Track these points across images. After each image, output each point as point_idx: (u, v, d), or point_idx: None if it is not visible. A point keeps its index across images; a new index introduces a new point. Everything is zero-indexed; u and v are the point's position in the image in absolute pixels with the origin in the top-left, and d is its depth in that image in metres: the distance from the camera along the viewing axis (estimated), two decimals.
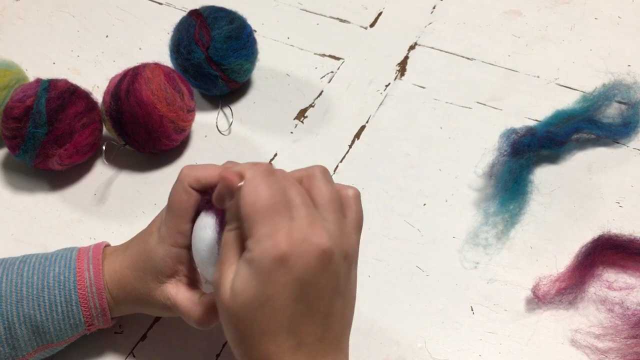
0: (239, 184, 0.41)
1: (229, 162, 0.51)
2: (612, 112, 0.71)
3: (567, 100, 0.73)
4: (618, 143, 0.70)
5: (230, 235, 0.42)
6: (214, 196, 0.44)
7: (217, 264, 0.43)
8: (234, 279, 0.40)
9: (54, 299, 0.51)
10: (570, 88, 0.76)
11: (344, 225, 0.44)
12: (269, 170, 0.42)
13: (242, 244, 0.41)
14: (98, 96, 0.69)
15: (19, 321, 0.51)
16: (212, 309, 0.48)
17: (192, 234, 0.49)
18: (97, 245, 0.54)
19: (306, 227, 0.40)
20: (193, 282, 0.51)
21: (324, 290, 0.41)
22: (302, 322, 0.40)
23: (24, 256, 0.54)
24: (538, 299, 0.58)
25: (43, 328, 0.51)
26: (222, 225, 0.46)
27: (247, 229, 0.40)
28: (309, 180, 0.44)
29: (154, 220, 0.53)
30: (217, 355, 0.57)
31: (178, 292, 0.50)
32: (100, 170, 0.70)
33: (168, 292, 0.50)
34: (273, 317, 0.40)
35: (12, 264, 0.53)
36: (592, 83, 0.74)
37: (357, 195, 0.47)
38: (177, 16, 0.74)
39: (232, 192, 0.42)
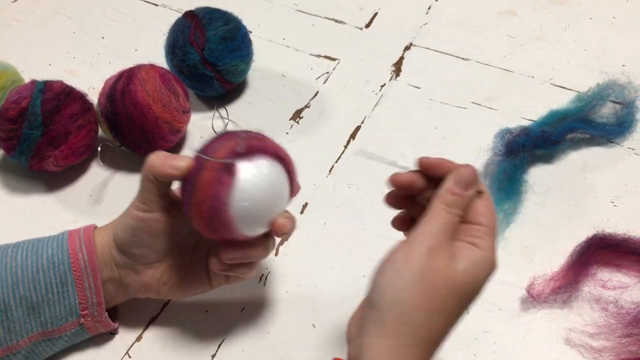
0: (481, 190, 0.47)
1: (244, 131, 0.51)
2: (606, 111, 0.72)
3: (561, 100, 0.73)
4: (612, 142, 0.71)
5: (454, 219, 0.45)
6: (459, 179, 0.46)
7: (432, 232, 0.44)
8: (470, 258, 0.44)
9: (50, 280, 0.52)
10: (564, 88, 0.76)
11: None
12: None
13: (455, 229, 0.45)
14: (94, 97, 0.69)
15: (15, 302, 0.52)
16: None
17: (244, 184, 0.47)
18: (87, 227, 0.55)
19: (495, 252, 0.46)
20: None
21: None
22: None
23: (16, 242, 0.55)
24: (532, 298, 0.58)
25: (39, 309, 0.52)
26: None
27: (482, 231, 0.45)
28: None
29: None
30: (213, 356, 0.57)
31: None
32: (96, 172, 0.70)
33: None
34: (464, 305, 0.44)
35: (6, 249, 0.54)
36: (586, 83, 0.74)
37: None
38: (173, 17, 0.74)
39: (472, 185, 0.46)
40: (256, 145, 0.49)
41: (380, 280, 0.43)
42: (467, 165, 0.46)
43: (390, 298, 0.42)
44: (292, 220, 0.51)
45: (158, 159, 0.50)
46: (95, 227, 0.56)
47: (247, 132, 0.50)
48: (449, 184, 0.46)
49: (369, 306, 0.44)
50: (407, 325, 0.41)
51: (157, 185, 0.51)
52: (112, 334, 0.58)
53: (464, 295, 0.44)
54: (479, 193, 0.47)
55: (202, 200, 0.47)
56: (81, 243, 0.53)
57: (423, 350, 0.42)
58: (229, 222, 0.48)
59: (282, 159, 0.50)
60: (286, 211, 0.52)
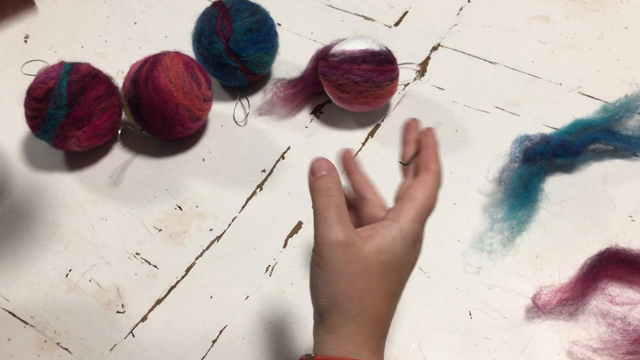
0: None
1: None
2: (632, 124, 0.70)
3: (587, 110, 0.72)
4: (636, 156, 0.69)
5: (334, 200, 0.45)
6: (310, 169, 0.46)
7: (333, 220, 0.44)
8: (384, 236, 0.44)
9: None
10: (592, 97, 0.74)
11: None
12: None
13: (341, 209, 0.45)
14: (121, 81, 0.71)
15: None
16: None
17: None
18: None
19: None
20: None
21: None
22: (398, 298, 0.45)
23: None
24: (538, 308, 0.57)
25: None
26: None
27: (404, 205, 0.45)
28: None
29: None
30: (214, 341, 0.58)
31: None
32: (117, 154, 0.72)
33: None
34: (393, 277, 0.44)
35: None
36: (615, 94, 0.73)
37: None
38: (204, 5, 0.75)
39: (320, 169, 0.46)
40: None
41: (314, 292, 0.45)
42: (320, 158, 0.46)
43: (323, 303, 0.43)
44: None
45: None
46: None
47: None
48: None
49: (315, 312, 0.45)
50: (346, 318, 0.43)
51: None
52: (118, 312, 0.59)
53: (386, 269, 0.43)
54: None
55: None
56: None
57: (367, 334, 0.43)
58: None
59: None
60: None
